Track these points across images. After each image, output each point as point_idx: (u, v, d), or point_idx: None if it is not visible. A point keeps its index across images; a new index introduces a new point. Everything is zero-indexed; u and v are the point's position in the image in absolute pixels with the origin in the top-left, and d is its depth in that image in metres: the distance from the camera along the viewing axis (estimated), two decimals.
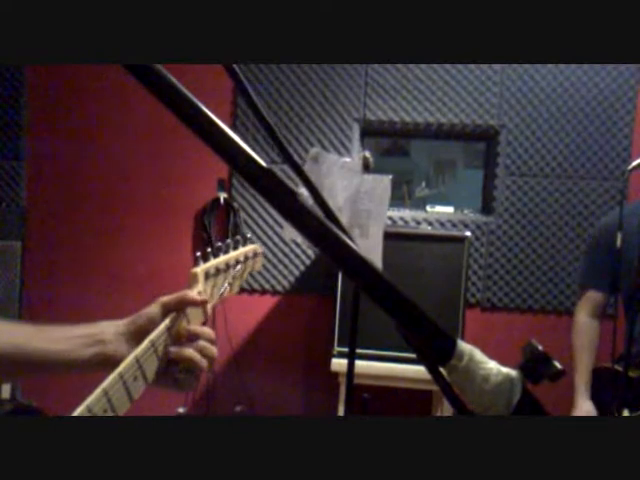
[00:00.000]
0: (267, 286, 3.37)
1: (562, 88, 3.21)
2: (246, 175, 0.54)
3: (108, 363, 0.84)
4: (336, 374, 2.73)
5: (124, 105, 3.30)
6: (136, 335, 0.87)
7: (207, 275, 0.95)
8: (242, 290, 3.45)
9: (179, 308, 0.87)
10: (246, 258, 1.08)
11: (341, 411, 2.66)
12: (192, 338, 0.88)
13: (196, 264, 0.93)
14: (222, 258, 0.99)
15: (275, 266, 3.36)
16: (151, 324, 0.86)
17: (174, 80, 0.51)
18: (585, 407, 2.17)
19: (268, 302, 3.39)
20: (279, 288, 3.37)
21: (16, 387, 3.23)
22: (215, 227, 3.33)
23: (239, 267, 1.05)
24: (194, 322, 0.91)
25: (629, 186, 3.06)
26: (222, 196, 3.28)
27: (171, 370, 0.87)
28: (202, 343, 0.88)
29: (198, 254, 0.93)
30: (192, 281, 0.92)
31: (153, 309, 0.88)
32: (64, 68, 3.32)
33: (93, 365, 0.87)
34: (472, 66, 3.22)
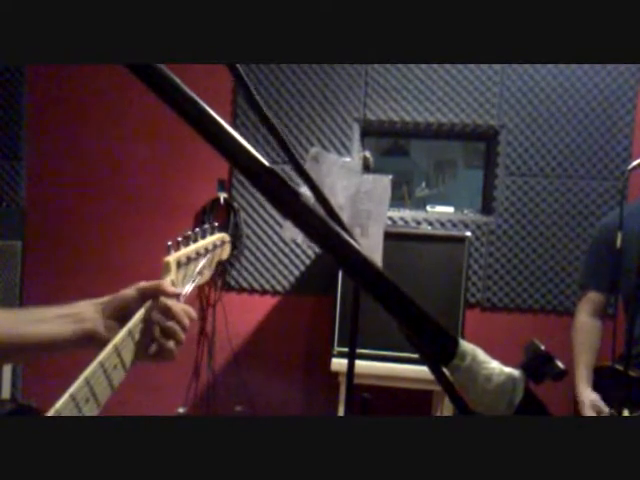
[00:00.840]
0: (267, 286, 3.37)
1: (562, 88, 3.21)
2: (248, 174, 0.54)
3: (89, 339, 0.89)
4: (336, 374, 2.73)
5: (124, 105, 3.30)
6: (112, 314, 0.92)
7: (179, 264, 0.97)
8: (242, 290, 3.47)
9: (154, 296, 0.91)
10: (215, 246, 1.11)
11: (341, 411, 2.66)
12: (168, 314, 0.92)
13: (168, 253, 0.95)
14: (192, 247, 1.02)
15: (275, 266, 3.36)
16: (127, 306, 0.91)
17: (177, 79, 0.51)
18: (591, 397, 2.16)
19: (268, 302, 3.39)
20: (279, 288, 3.37)
21: (16, 387, 3.23)
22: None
23: (209, 255, 1.08)
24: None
25: (629, 186, 3.06)
26: (222, 196, 3.28)
27: (152, 343, 0.91)
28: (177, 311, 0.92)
29: (169, 243, 0.96)
30: (164, 270, 0.95)
31: (130, 292, 0.93)
32: (64, 68, 3.32)
33: (74, 342, 0.91)
34: (472, 66, 3.22)
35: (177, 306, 0.92)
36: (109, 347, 0.81)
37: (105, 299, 0.94)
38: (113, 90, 3.27)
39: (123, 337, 0.84)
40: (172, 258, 0.95)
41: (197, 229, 1.05)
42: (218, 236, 1.13)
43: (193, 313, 0.95)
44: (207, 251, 1.07)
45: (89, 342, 0.88)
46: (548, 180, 3.24)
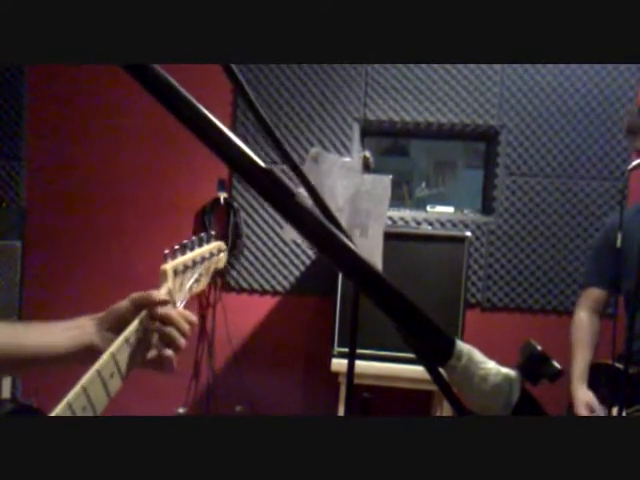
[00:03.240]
0: (267, 286, 3.37)
1: (562, 88, 3.21)
2: (245, 175, 0.54)
3: (88, 353, 0.90)
4: (336, 374, 2.73)
5: (124, 105, 3.30)
6: (110, 326, 0.93)
7: (175, 272, 0.98)
8: (242, 290, 3.47)
9: (146, 305, 0.91)
10: (211, 255, 1.12)
11: (341, 411, 2.66)
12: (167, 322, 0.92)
13: (165, 261, 0.95)
14: (189, 255, 1.03)
15: (275, 266, 3.36)
16: (123, 317, 0.92)
17: (172, 80, 0.51)
18: (586, 397, 2.16)
19: (268, 302, 3.39)
20: (279, 288, 3.37)
21: (16, 387, 3.23)
22: (215, 227, 3.33)
23: (205, 263, 1.08)
24: None
25: (629, 186, 3.06)
26: (222, 196, 3.28)
27: (151, 350, 0.92)
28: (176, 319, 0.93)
29: (166, 251, 0.96)
30: (161, 278, 0.95)
31: (124, 303, 0.94)
32: (64, 68, 3.31)
33: (73, 356, 0.92)
34: (472, 66, 3.22)
35: (174, 312, 0.92)
36: (106, 355, 0.82)
37: (102, 314, 0.95)
38: (113, 90, 3.27)
39: (119, 345, 0.84)
40: (169, 266, 0.96)
41: (194, 237, 1.05)
42: (215, 245, 1.13)
43: (192, 317, 0.95)
44: (204, 259, 1.08)
45: (88, 355, 0.88)
46: (548, 180, 3.24)
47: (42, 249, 3.39)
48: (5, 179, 3.42)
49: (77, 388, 0.76)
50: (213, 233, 1.12)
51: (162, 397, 3.22)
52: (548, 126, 3.22)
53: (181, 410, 3.27)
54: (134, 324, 0.88)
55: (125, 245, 3.40)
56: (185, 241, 1.02)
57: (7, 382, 3.13)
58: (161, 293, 0.93)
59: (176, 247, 0.99)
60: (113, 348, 0.83)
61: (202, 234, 1.09)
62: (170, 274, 0.96)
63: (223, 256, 1.17)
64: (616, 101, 3.19)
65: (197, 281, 1.05)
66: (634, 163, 2.00)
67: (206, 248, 1.09)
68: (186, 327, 0.93)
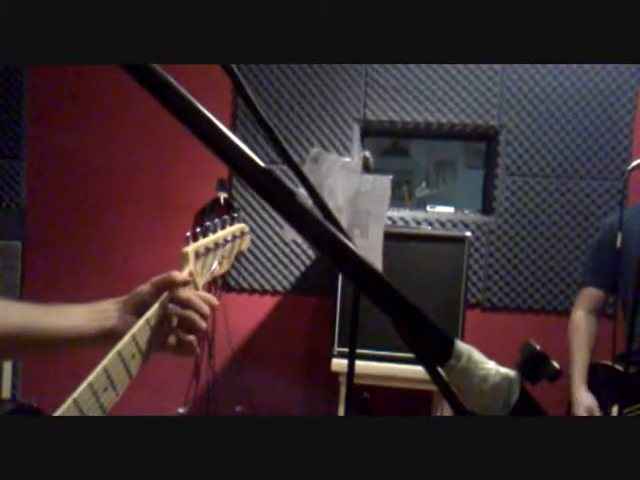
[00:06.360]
0: (267, 286, 3.37)
1: (562, 88, 3.21)
2: (244, 175, 0.54)
3: (111, 336, 0.89)
4: (336, 374, 2.73)
5: (124, 105, 3.30)
6: (132, 310, 0.93)
7: (197, 254, 0.97)
8: (242, 290, 3.47)
9: (167, 287, 0.91)
10: (234, 237, 1.11)
11: (341, 411, 2.66)
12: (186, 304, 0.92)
13: (186, 244, 0.95)
14: (211, 237, 1.02)
15: (275, 266, 3.36)
16: (144, 301, 0.92)
17: (172, 80, 0.51)
18: (586, 401, 2.16)
19: (268, 302, 3.39)
20: (279, 288, 3.37)
21: (16, 387, 3.23)
22: None
23: (228, 246, 1.08)
24: None
25: (629, 186, 3.06)
26: (222, 196, 3.27)
27: (171, 335, 0.92)
28: (195, 302, 0.93)
29: (188, 234, 0.96)
30: (183, 260, 0.95)
31: (145, 287, 0.94)
32: (64, 68, 3.32)
33: (96, 338, 0.92)
34: (472, 66, 3.22)
35: (194, 294, 0.92)
36: (127, 336, 0.82)
37: (124, 297, 0.95)
38: (113, 90, 3.27)
39: (141, 326, 0.85)
40: (190, 249, 0.95)
41: (216, 220, 1.04)
42: (238, 227, 1.13)
43: (213, 299, 0.95)
44: (226, 242, 1.07)
45: (110, 339, 0.88)
46: (548, 180, 3.24)
47: (42, 249, 3.39)
48: (5, 179, 3.42)
49: (98, 369, 0.76)
50: (236, 215, 1.12)
51: (162, 397, 3.22)
52: (548, 126, 3.22)
53: (181, 410, 3.27)
54: (155, 306, 0.88)
55: (125, 245, 3.40)
56: (207, 223, 1.01)
57: (7, 382, 3.13)
58: (182, 274, 0.92)
59: (198, 230, 0.98)
60: (135, 329, 0.83)
61: (225, 216, 1.08)
62: (192, 256, 0.95)
63: (247, 238, 1.16)
64: (616, 101, 3.19)
65: (220, 264, 1.05)
66: (634, 163, 2.00)
67: (229, 230, 1.09)
68: (206, 309, 0.92)
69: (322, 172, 1.96)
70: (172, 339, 0.92)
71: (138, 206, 3.40)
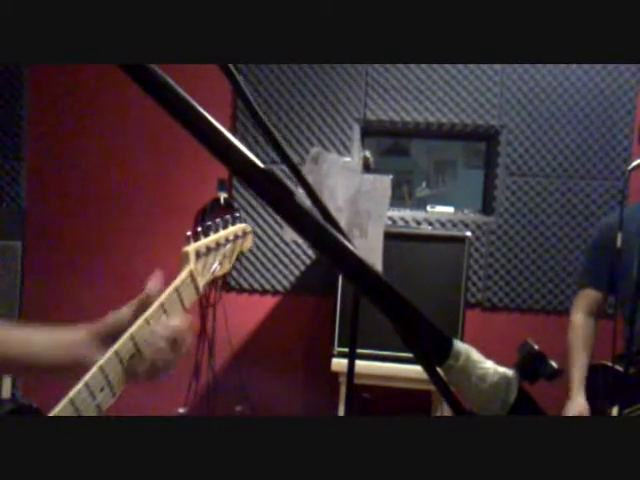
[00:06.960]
0: (267, 286, 3.37)
1: (562, 88, 3.21)
2: (243, 176, 0.54)
3: (77, 368, 0.82)
4: (336, 374, 2.73)
5: (124, 105, 3.30)
6: (106, 338, 0.86)
7: (198, 254, 0.96)
8: (242, 290, 3.47)
9: (146, 304, 0.87)
10: (236, 237, 1.10)
11: (341, 411, 2.66)
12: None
13: (187, 243, 0.94)
14: (212, 237, 1.01)
15: (275, 266, 3.36)
16: (120, 326, 0.85)
17: (170, 81, 0.51)
18: (578, 407, 2.17)
19: (268, 302, 3.39)
20: (279, 288, 3.37)
21: (16, 387, 3.23)
22: None
23: (229, 246, 1.06)
24: (186, 300, 0.93)
25: (629, 186, 3.06)
26: (222, 196, 3.27)
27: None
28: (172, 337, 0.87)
29: (188, 233, 0.94)
30: (183, 260, 0.94)
31: (122, 312, 0.89)
32: (64, 68, 3.31)
33: (64, 370, 0.87)
34: (472, 66, 3.22)
35: (165, 329, 0.85)
36: (125, 336, 0.81)
37: (100, 326, 0.89)
38: (113, 90, 3.27)
39: (140, 327, 0.83)
40: (191, 248, 0.94)
41: (218, 219, 1.03)
42: (240, 226, 1.12)
43: (185, 334, 0.87)
44: (228, 241, 1.06)
45: (77, 372, 0.80)
46: (548, 180, 3.24)
47: (42, 249, 3.38)
48: (5, 179, 3.42)
49: (95, 368, 0.75)
50: (238, 215, 1.11)
51: (162, 397, 3.22)
52: (548, 126, 3.22)
53: (181, 410, 3.27)
54: (155, 306, 0.86)
55: (125, 245, 3.40)
56: (209, 222, 1.00)
57: (7, 382, 3.13)
58: (148, 288, 0.89)
59: (199, 229, 0.97)
60: (134, 329, 0.82)
61: (227, 216, 1.07)
62: (192, 256, 0.94)
63: (249, 238, 1.15)
64: (616, 101, 3.19)
65: (221, 264, 1.04)
66: (634, 163, 2.00)
67: (230, 230, 1.08)
68: (172, 356, 0.85)
69: (322, 172, 1.96)
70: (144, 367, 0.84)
71: (138, 206, 3.40)
